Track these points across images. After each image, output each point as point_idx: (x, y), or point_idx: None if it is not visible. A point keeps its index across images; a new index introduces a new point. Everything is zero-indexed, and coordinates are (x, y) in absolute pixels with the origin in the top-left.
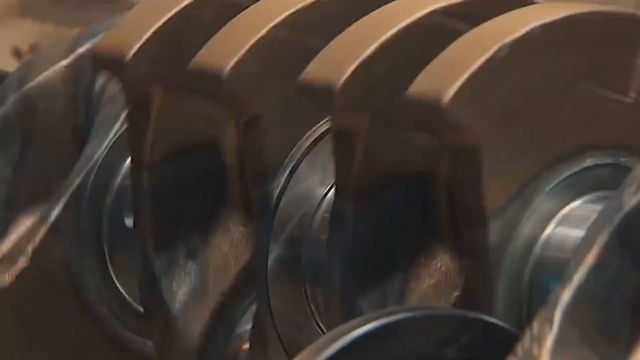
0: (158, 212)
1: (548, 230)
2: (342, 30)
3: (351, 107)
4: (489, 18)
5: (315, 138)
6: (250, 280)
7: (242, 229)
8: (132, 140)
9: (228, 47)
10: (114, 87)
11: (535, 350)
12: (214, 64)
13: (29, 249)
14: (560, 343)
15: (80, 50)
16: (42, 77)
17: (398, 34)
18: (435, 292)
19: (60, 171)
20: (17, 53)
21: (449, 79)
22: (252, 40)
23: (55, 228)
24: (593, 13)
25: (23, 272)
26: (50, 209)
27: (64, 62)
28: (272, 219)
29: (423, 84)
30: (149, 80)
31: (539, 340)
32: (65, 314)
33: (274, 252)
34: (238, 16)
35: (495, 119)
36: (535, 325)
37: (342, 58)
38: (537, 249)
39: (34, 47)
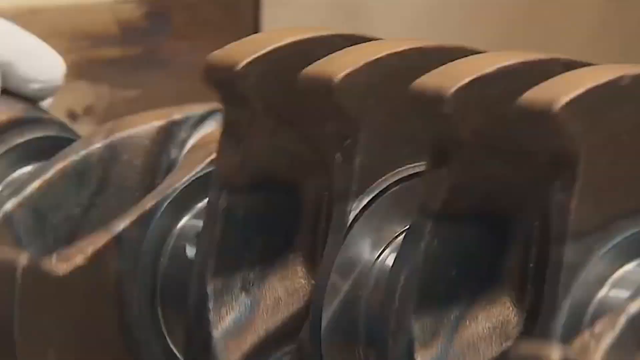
0: (225, 237)
1: (620, 271)
2: None
3: (460, 118)
4: None
5: (397, 180)
6: (294, 331)
7: (301, 281)
8: (219, 159)
9: (340, 63)
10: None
11: (592, 345)
12: (324, 74)
13: (89, 249)
14: (618, 345)
15: (176, 116)
16: (132, 130)
17: (515, 65)
18: (489, 335)
19: None
20: (71, 115)
21: (564, 90)
22: (365, 59)
23: (118, 240)
24: None
25: (78, 269)
26: (118, 222)
27: (157, 123)
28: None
29: (536, 93)
30: (252, 97)
31: (598, 338)
32: (104, 329)
33: (329, 311)
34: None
35: (603, 140)
36: (598, 326)
37: (456, 73)
38: (605, 288)
39: (88, 109)
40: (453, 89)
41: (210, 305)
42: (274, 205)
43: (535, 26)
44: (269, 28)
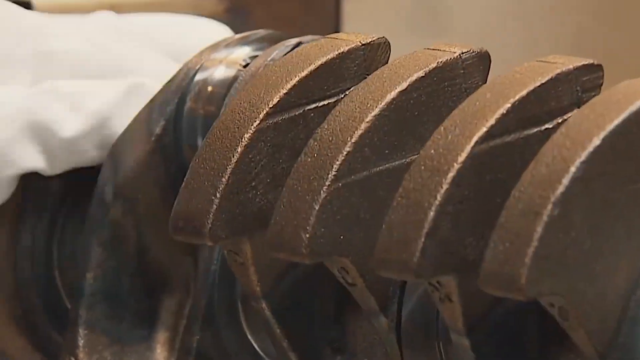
0: (290, 329)
1: None
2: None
3: (433, 274)
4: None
5: None
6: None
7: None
8: (238, 278)
9: (296, 219)
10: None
11: None
12: (289, 243)
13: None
14: None
15: (157, 131)
16: (129, 173)
17: (451, 186)
18: None
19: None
20: None
21: (516, 256)
22: (316, 206)
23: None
24: None
25: None
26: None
27: (147, 149)
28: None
29: (493, 264)
30: (232, 238)
31: None
32: None
33: (409, 307)
34: (293, 174)
35: (574, 270)
36: None
37: (407, 232)
38: None
39: None
40: (416, 261)
41: None
42: (313, 276)
43: (620, 21)
44: (349, 23)
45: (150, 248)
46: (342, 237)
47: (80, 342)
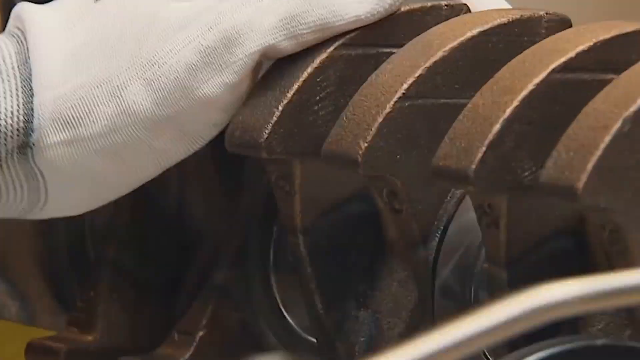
0: (321, 272)
1: None
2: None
3: (488, 188)
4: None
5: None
6: (423, 317)
7: (406, 268)
8: (281, 209)
9: (358, 129)
10: None
11: None
12: (346, 150)
13: (204, 321)
14: None
15: None
16: None
17: (522, 104)
18: (606, 334)
19: None
20: None
21: (579, 163)
22: (380, 119)
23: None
24: None
25: (201, 340)
26: (217, 274)
27: None
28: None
29: (554, 169)
30: (286, 156)
31: None
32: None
33: (441, 282)
34: (361, 90)
35: (633, 192)
36: None
37: (470, 141)
38: None
39: None
40: (474, 168)
41: (338, 340)
42: (351, 220)
43: None
44: None
45: (190, 203)
46: (398, 156)
47: (104, 279)
